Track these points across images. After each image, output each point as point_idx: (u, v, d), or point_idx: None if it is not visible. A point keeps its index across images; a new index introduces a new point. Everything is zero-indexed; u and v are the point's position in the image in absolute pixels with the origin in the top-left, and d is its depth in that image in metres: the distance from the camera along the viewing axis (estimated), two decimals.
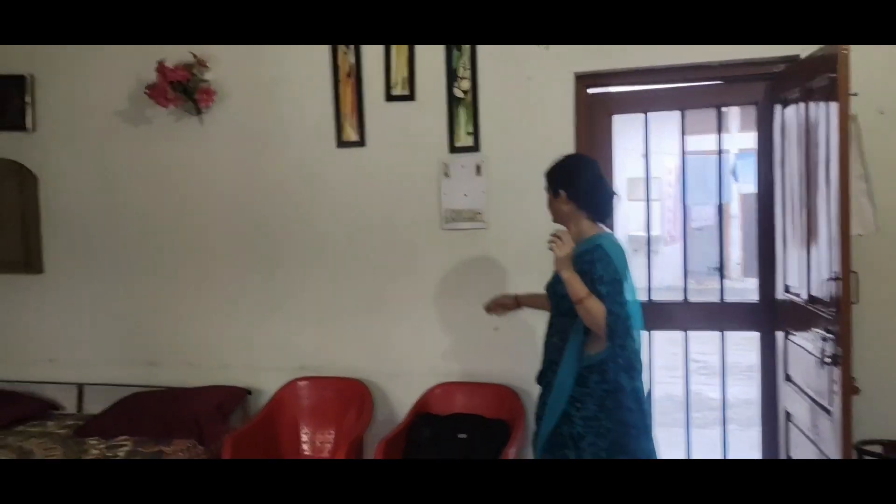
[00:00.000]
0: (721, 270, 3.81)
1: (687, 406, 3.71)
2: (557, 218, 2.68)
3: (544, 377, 2.70)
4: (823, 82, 2.69)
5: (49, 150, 4.10)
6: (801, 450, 3.05)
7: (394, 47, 3.59)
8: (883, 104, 3.00)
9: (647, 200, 3.86)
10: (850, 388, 2.56)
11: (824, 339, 2.67)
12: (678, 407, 5.49)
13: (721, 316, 3.59)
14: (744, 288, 9.55)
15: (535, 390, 2.76)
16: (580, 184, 2.61)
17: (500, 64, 3.47)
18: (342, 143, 3.69)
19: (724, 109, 10.12)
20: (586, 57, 3.35)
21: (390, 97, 3.62)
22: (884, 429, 3.01)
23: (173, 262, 3.98)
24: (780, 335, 3.28)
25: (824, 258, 2.71)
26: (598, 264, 2.46)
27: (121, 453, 3.32)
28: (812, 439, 2.91)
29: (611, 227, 2.74)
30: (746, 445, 4.27)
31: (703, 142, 5.54)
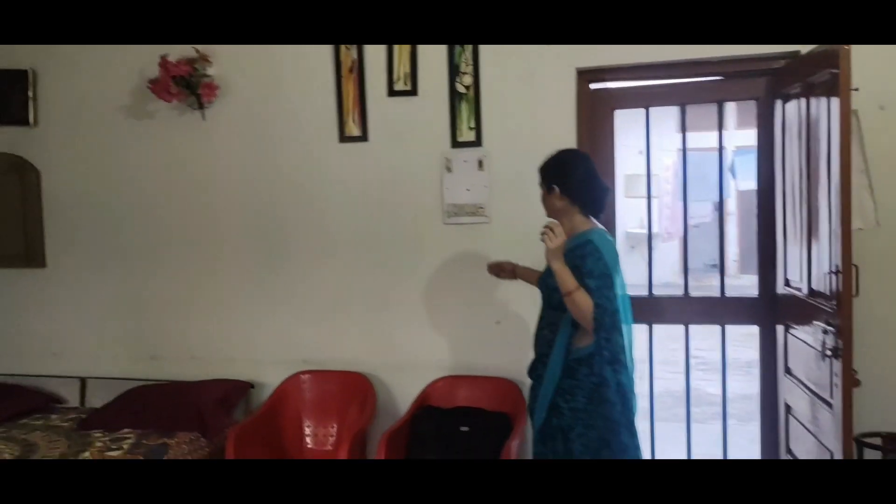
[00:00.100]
0: (721, 265, 3.82)
1: (687, 400, 3.73)
2: (551, 213, 2.70)
3: (535, 370, 2.73)
4: (825, 77, 2.72)
5: (51, 145, 4.11)
6: (802, 442, 3.08)
7: None
8: (883, 100, 3.02)
9: (649, 197, 3.87)
10: (850, 381, 2.59)
11: (825, 332, 2.70)
12: (678, 402, 5.53)
13: (721, 310, 3.61)
14: (740, 285, 9.58)
15: None
16: (573, 179, 2.65)
17: (502, 59, 3.49)
18: (345, 138, 3.71)
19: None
20: (588, 52, 3.37)
21: (392, 92, 3.64)
22: (884, 421, 3.04)
23: (176, 257, 3.99)
24: (780, 329, 3.30)
25: (825, 252, 2.74)
26: (588, 259, 2.49)
27: (125, 446, 3.33)
28: (812, 432, 2.94)
29: (605, 222, 2.76)
30: (746, 440, 4.30)
31: (701, 139, 5.57)
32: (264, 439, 3.52)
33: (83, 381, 4.08)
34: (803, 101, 2.95)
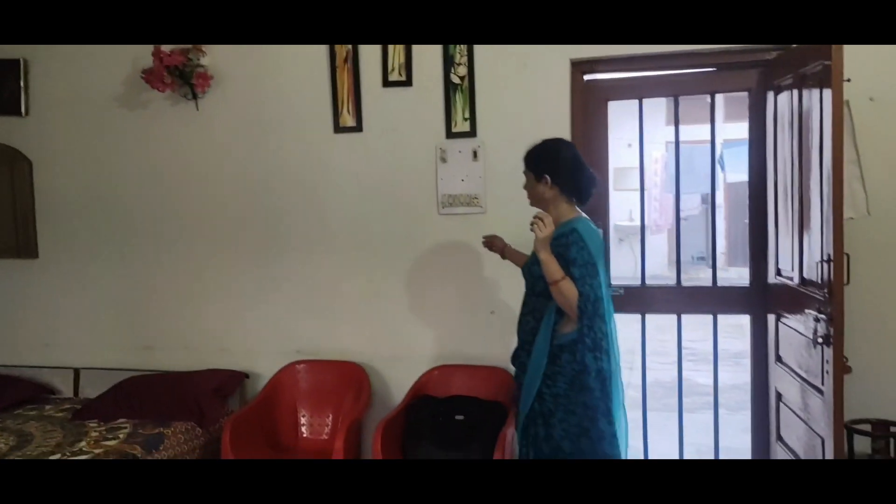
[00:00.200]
0: (713, 255, 3.86)
1: (679, 388, 3.77)
2: (537, 202, 2.73)
3: (518, 357, 2.77)
4: (817, 69, 2.75)
5: (43, 135, 4.09)
6: (793, 430, 3.12)
7: None
8: (873, 91, 3.06)
9: (642, 188, 3.91)
10: (842, 368, 2.63)
11: (817, 320, 2.73)
12: (668, 392, 5.57)
13: (713, 299, 3.65)
14: (728, 278, 9.66)
15: None
16: (563, 168, 2.68)
17: (496, 50, 3.50)
18: (339, 128, 3.71)
19: (709, 99, 10.15)
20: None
21: (387, 83, 3.65)
22: (873, 408, 3.09)
23: (169, 247, 3.99)
24: (771, 318, 3.34)
25: (817, 241, 2.77)
26: (572, 247, 2.54)
27: (121, 435, 3.34)
28: (803, 419, 2.98)
29: (598, 214, 2.80)
30: (736, 429, 4.35)
31: (688, 132, 5.61)
32: (260, 429, 3.54)
33: (77, 372, 4.07)
34: (795, 92, 2.98)
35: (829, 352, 2.67)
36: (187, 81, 3.74)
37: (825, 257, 2.66)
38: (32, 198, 4.12)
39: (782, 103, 3.13)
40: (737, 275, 8.55)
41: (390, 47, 3.61)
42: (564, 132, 3.43)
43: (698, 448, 4.08)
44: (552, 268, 2.52)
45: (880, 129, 3.06)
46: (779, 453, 3.28)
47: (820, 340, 2.71)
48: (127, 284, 4.07)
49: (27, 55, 4.05)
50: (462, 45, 3.53)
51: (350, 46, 3.65)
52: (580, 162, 2.72)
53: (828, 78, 2.61)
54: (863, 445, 3.08)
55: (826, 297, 2.68)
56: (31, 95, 4.08)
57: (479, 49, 3.53)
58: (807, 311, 2.85)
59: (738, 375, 5.71)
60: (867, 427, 3.07)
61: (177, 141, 3.92)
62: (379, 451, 3.21)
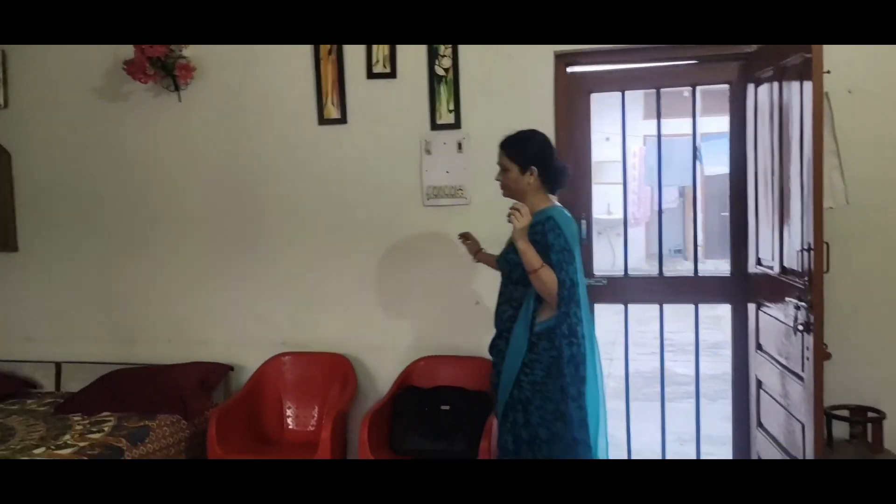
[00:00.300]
0: (695, 245, 3.91)
1: (662, 377, 3.82)
2: (517, 193, 2.72)
3: (496, 346, 2.79)
4: (797, 61, 2.80)
5: (23, 127, 4.06)
6: (773, 416, 3.18)
7: None
8: (851, 83, 3.11)
9: (625, 181, 3.96)
10: (822, 354, 2.68)
11: (797, 308, 2.78)
12: (647, 382, 5.65)
13: (695, 289, 3.70)
14: (705, 269, 9.77)
15: None
16: (546, 159, 2.72)
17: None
18: (323, 120, 3.71)
19: (685, 94, 10.22)
20: None
21: (371, 75, 3.65)
22: (851, 394, 3.15)
23: (152, 239, 3.97)
24: (751, 307, 3.40)
25: (797, 231, 2.82)
26: (549, 234, 2.58)
27: (105, 428, 3.32)
28: (783, 405, 3.04)
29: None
30: (715, 417, 4.42)
31: (665, 125, 5.67)
32: (246, 421, 3.54)
33: (58, 366, 4.04)
34: (776, 84, 3.03)
35: (809, 339, 2.72)
36: (169, 73, 3.71)
37: (805, 246, 2.71)
38: (12, 190, 4.08)
39: (762, 95, 3.18)
40: (713, 266, 8.65)
41: None
42: (548, 124, 3.45)
43: (679, 436, 4.14)
44: (530, 256, 2.56)
45: (858, 121, 3.11)
46: (759, 440, 3.34)
47: (800, 328, 2.76)
48: (108, 277, 4.04)
49: (6, 46, 3.99)
50: None
51: None
52: (554, 151, 2.79)
53: (808, 70, 2.65)
54: (841, 431, 3.14)
55: (806, 285, 2.73)
56: (10, 87, 4.03)
57: None
58: (787, 299, 2.90)
59: (716, 365, 5.80)
60: (845, 413, 3.13)
61: (159, 133, 3.90)
62: (366, 442, 3.23)
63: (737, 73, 3.42)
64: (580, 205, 3.57)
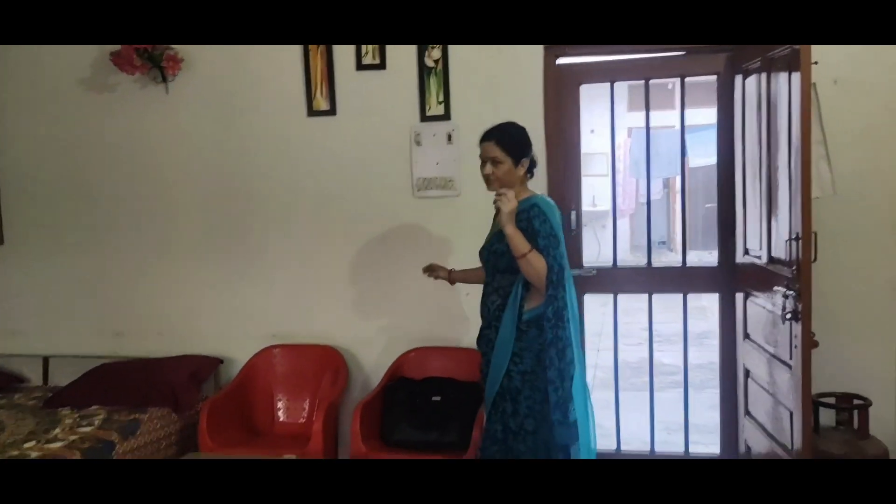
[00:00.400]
0: (683, 236, 3.94)
1: (650, 367, 3.86)
2: (504, 184, 2.70)
3: (485, 336, 2.77)
4: (785, 52, 2.83)
5: (8, 118, 4.01)
6: (761, 404, 3.22)
7: None
8: (837, 73, 3.15)
9: (613, 172, 3.99)
10: (809, 342, 2.72)
11: (785, 297, 2.82)
12: (634, 372, 5.70)
13: (683, 279, 3.74)
14: (689, 261, 9.83)
15: None
16: (530, 150, 2.76)
17: None
18: (313, 112, 3.70)
19: (669, 86, 10.24)
20: None
21: (361, 66, 3.64)
22: (837, 381, 3.20)
23: (140, 232, 3.94)
24: (739, 296, 3.43)
25: (784, 221, 2.86)
26: (535, 221, 2.60)
27: (96, 422, 3.30)
28: (771, 393, 3.08)
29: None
30: (702, 406, 4.46)
31: (651, 117, 5.72)
32: (237, 413, 3.54)
33: (45, 360, 4.01)
34: (763, 75, 3.06)
35: (797, 327, 2.76)
36: (157, 64, 3.69)
37: (793, 235, 2.75)
38: None
39: (750, 86, 3.21)
40: (697, 258, 8.71)
41: None
42: (538, 116, 3.48)
43: (667, 425, 4.18)
44: (518, 241, 2.57)
45: (844, 111, 3.15)
46: (747, 427, 3.38)
47: (788, 316, 2.80)
48: (96, 270, 4.01)
49: None
50: None
51: None
52: None
53: (796, 61, 2.68)
54: (827, 418, 3.19)
55: (794, 273, 2.76)
56: None
57: None
58: (775, 288, 2.93)
59: (702, 355, 5.86)
60: (831, 400, 3.18)
61: (146, 125, 3.87)
62: (358, 434, 3.24)
63: (724, 65, 3.44)
64: (569, 196, 3.60)
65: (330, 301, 3.80)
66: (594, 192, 9.49)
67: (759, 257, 3.15)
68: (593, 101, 3.61)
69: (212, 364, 3.78)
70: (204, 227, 3.88)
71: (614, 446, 3.80)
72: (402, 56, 3.59)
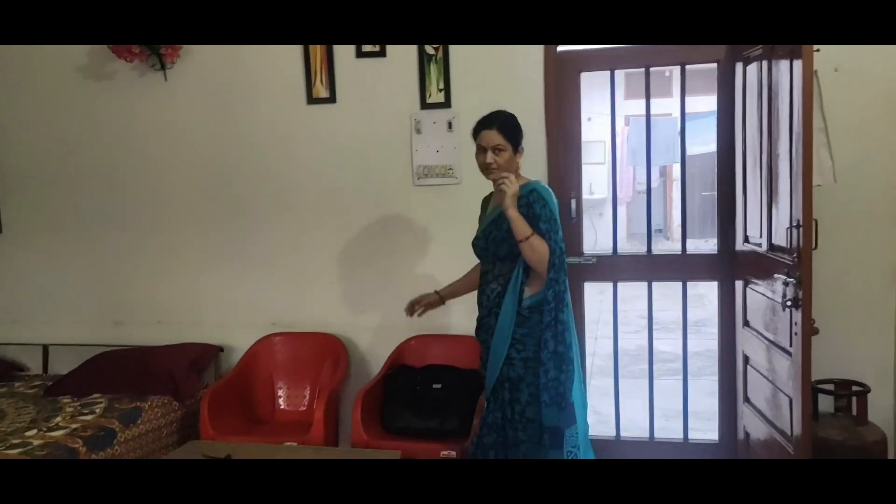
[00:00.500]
0: (683, 224, 3.95)
1: (650, 355, 3.88)
2: (503, 170, 2.68)
3: (484, 325, 2.77)
4: None
5: (4, 106, 3.99)
6: (760, 391, 3.23)
7: None
8: (837, 61, 3.15)
9: (614, 160, 3.99)
10: (810, 330, 2.73)
11: (785, 284, 2.83)
12: (632, 360, 5.73)
13: (683, 267, 3.75)
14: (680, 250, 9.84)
15: None
16: (523, 136, 2.77)
17: None
18: (312, 99, 3.69)
19: (667, 74, 10.19)
20: None
21: (361, 53, 3.63)
22: (836, 368, 3.21)
23: (139, 220, 3.94)
24: (739, 284, 3.44)
25: (785, 208, 2.86)
26: (535, 205, 2.61)
27: (97, 410, 3.31)
28: (770, 379, 3.09)
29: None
30: (699, 393, 4.49)
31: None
32: (237, 401, 3.54)
33: (45, 348, 4.01)
34: (765, 62, 3.05)
35: (797, 314, 2.76)
36: (155, 52, 3.67)
37: (794, 223, 2.75)
38: None
39: (751, 74, 3.21)
40: (693, 246, 8.74)
41: None
42: (538, 103, 3.49)
43: (665, 412, 4.20)
44: (521, 224, 2.57)
45: (845, 99, 3.15)
46: (746, 414, 3.40)
47: (788, 304, 2.80)
48: (95, 259, 4.01)
49: None
50: None
51: None
52: None
53: (798, 48, 2.68)
54: (826, 404, 3.21)
55: (795, 261, 2.76)
56: None
57: None
58: (775, 275, 2.94)
59: (698, 343, 5.89)
60: (830, 387, 3.20)
61: (145, 112, 3.86)
62: (359, 421, 3.24)
63: (725, 52, 3.44)
64: (569, 184, 3.60)
65: (330, 289, 3.80)
66: (590, 181, 9.49)
67: (760, 245, 3.16)
68: (590, 90, 3.61)
69: (212, 352, 3.79)
70: (203, 216, 3.88)
71: (614, 433, 3.82)
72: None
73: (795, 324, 2.79)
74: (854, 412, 3.16)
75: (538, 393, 2.62)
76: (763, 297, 3.15)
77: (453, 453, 3.15)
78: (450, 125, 3.58)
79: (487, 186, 3.49)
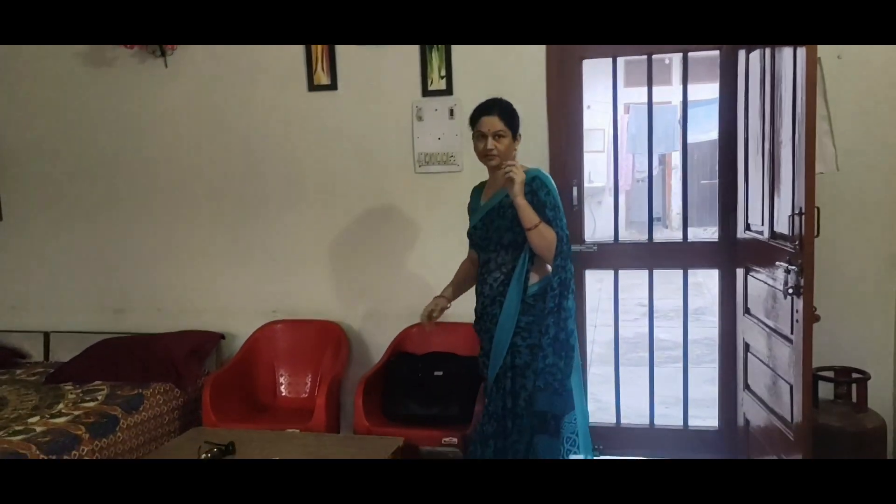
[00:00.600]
0: (685, 213, 3.96)
1: (650, 343, 3.89)
2: (503, 157, 2.69)
3: (487, 315, 2.75)
4: None
5: (4, 93, 3.98)
6: (760, 378, 3.25)
7: None
8: (841, 49, 3.15)
9: (615, 148, 3.98)
10: (811, 317, 2.73)
11: (787, 272, 2.83)
12: (631, 348, 5.74)
13: (684, 255, 3.75)
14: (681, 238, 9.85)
15: None
16: None
17: None
18: (314, 86, 3.69)
19: (667, 61, 10.15)
20: None
21: None
22: (836, 355, 3.22)
23: (140, 207, 3.94)
24: (740, 272, 3.45)
25: (787, 196, 2.86)
26: (539, 192, 2.61)
27: (99, 397, 3.32)
28: (771, 367, 3.10)
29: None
30: (698, 380, 4.50)
31: (644, 93, 5.71)
32: (239, 388, 3.56)
33: (47, 336, 4.01)
34: (768, 50, 3.05)
35: (798, 302, 2.77)
36: None
37: (797, 210, 2.75)
38: None
39: (754, 61, 3.20)
40: (692, 235, 8.75)
41: None
42: (540, 91, 3.48)
43: (664, 399, 4.22)
44: (530, 213, 2.58)
45: (847, 87, 3.16)
46: (746, 401, 3.41)
47: (790, 291, 2.81)
48: (96, 246, 4.01)
49: None
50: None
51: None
52: None
53: None
54: (826, 391, 3.22)
55: (797, 249, 2.76)
56: None
57: None
58: (777, 263, 2.94)
59: (697, 331, 5.90)
60: (830, 374, 3.21)
61: (145, 99, 3.85)
62: (360, 408, 3.25)
63: None
64: (570, 171, 3.60)
65: (331, 276, 3.80)
66: (589, 169, 9.48)
67: (761, 233, 3.16)
68: (589, 78, 3.60)
69: (213, 339, 3.79)
70: (204, 204, 3.88)
71: (614, 420, 3.83)
72: None
73: (797, 311, 2.79)
74: (854, 399, 3.17)
75: (537, 381, 2.63)
76: (764, 285, 3.15)
77: (454, 440, 3.16)
78: (451, 112, 3.58)
79: (487, 174, 3.51)
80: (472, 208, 2.89)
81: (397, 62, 3.59)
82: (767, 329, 3.12)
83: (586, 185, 9.91)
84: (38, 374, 3.67)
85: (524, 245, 2.64)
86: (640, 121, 9.87)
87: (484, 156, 2.72)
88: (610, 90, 3.75)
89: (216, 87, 3.78)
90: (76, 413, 3.15)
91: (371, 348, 3.76)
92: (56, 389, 3.43)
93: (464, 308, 3.57)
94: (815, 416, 2.99)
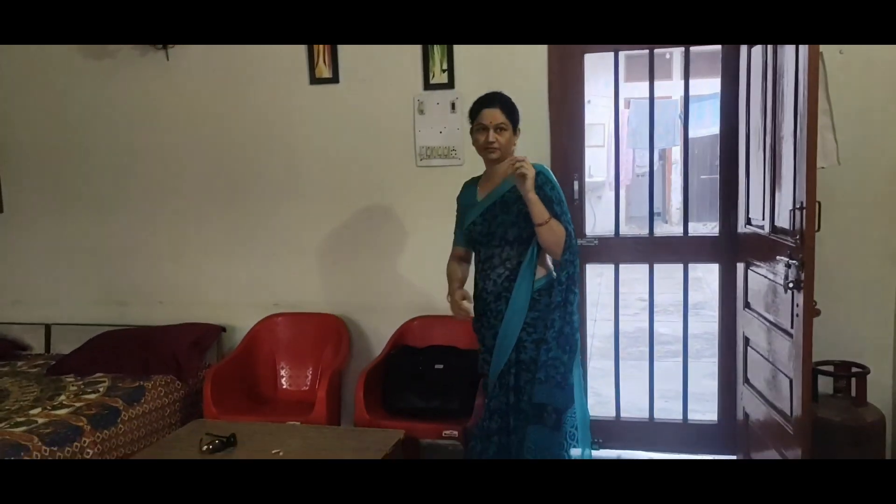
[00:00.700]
0: (685, 208, 3.96)
1: (650, 337, 3.90)
2: (504, 150, 2.70)
3: (492, 311, 2.72)
4: None
5: (4, 85, 3.97)
6: (760, 372, 3.26)
7: None
8: (843, 44, 3.14)
9: (617, 143, 3.98)
10: (812, 311, 2.74)
11: (788, 266, 2.83)
12: (631, 342, 5.75)
13: (684, 249, 3.76)
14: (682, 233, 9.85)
15: None
16: None
17: None
18: (315, 79, 3.69)
19: (667, 56, 10.14)
20: None
21: None
22: (835, 349, 3.23)
23: (141, 200, 3.94)
24: (740, 266, 3.46)
25: (788, 190, 2.86)
26: (545, 187, 2.61)
27: (101, 389, 3.33)
28: (771, 361, 3.11)
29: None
30: (698, 374, 4.51)
31: (644, 88, 5.70)
32: (240, 381, 3.57)
33: (48, 328, 4.02)
34: (770, 45, 3.05)
35: (799, 296, 2.77)
36: None
37: (798, 205, 2.75)
38: None
39: (756, 55, 3.20)
40: (692, 230, 8.75)
41: None
42: (542, 84, 3.48)
43: (663, 393, 4.22)
44: (541, 208, 2.57)
45: (849, 81, 3.15)
46: (746, 395, 3.42)
47: (791, 285, 2.81)
48: (97, 239, 4.01)
49: None
50: None
51: None
52: None
53: None
54: (825, 385, 3.23)
55: (798, 243, 2.77)
56: None
57: None
58: (778, 257, 2.95)
59: (696, 325, 5.90)
60: (829, 368, 3.21)
61: (146, 92, 3.85)
62: (361, 401, 3.26)
63: None
64: (571, 166, 3.60)
65: (332, 269, 3.81)
66: (589, 164, 9.47)
67: (762, 227, 3.16)
68: (589, 72, 3.60)
69: (214, 332, 3.80)
70: (205, 196, 3.88)
71: (614, 413, 3.84)
72: None
73: (797, 305, 2.80)
74: (853, 393, 3.18)
75: (538, 374, 2.63)
76: (764, 279, 3.16)
77: (455, 433, 3.17)
78: (453, 106, 3.58)
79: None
80: (466, 203, 2.87)
81: (399, 56, 3.59)
82: (767, 323, 3.12)
83: (587, 179, 9.92)
84: (40, 366, 3.68)
85: (530, 240, 2.64)
86: (640, 115, 9.86)
87: (484, 149, 2.71)
88: (610, 85, 3.76)
89: (217, 80, 3.78)
90: (78, 405, 3.15)
91: (372, 341, 3.77)
92: (57, 381, 3.44)
93: None
94: (814, 410, 2.99)
